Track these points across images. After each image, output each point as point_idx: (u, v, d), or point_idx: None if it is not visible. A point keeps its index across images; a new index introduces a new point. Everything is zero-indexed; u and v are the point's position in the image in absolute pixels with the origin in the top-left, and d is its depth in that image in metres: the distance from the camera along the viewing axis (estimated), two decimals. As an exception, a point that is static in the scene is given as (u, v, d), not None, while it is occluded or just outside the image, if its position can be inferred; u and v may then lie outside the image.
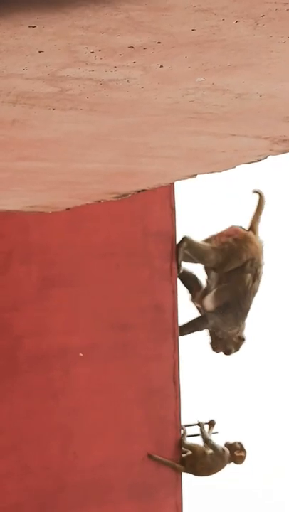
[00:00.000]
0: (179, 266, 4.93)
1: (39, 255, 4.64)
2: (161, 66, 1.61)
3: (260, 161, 2.48)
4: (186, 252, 4.94)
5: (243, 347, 5.15)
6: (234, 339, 5.12)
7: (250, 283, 5.02)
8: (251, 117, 2.05)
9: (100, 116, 1.95)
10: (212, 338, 5.18)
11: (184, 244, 4.89)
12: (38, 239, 4.64)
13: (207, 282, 5.13)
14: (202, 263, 5.05)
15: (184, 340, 5.10)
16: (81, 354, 4.71)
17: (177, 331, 4.99)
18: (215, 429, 5.33)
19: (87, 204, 3.47)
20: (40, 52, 1.49)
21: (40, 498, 4.55)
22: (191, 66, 1.62)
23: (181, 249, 4.89)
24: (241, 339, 5.12)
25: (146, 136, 2.20)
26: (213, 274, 5.09)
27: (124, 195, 3.10)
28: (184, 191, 5.22)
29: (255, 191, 5.20)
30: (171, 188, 4.89)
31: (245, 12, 1.38)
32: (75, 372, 4.69)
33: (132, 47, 1.49)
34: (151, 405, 4.88)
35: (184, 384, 5.05)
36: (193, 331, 5.16)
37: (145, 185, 2.95)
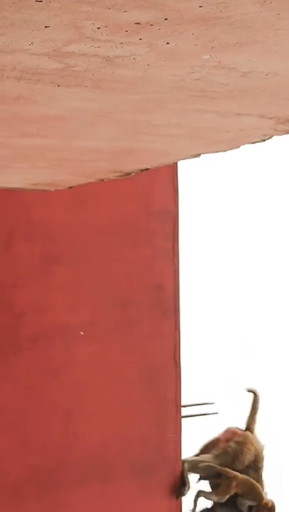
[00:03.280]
0: (184, 489, 4.98)
1: (41, 233, 4.64)
2: (167, 43, 1.60)
3: (264, 140, 2.47)
4: (192, 471, 5.00)
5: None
6: None
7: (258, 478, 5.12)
8: (256, 96, 2.04)
9: (105, 93, 1.94)
10: None
11: (186, 466, 4.96)
12: (40, 216, 4.64)
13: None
14: (209, 474, 5.14)
15: (185, 319, 5.11)
16: (82, 332, 4.71)
17: (178, 310, 5.00)
18: (214, 409, 5.35)
19: (90, 182, 3.46)
20: (46, 27, 1.48)
21: (40, 475, 4.58)
22: (197, 43, 1.61)
23: (185, 473, 4.97)
24: None
25: (150, 113, 2.19)
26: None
27: (128, 173, 3.08)
28: (187, 171, 5.22)
29: (250, 390, 5.30)
30: (174, 167, 4.88)
31: (253, -11, 1.37)
32: (76, 350, 4.70)
33: (139, 23, 1.48)
34: (151, 384, 4.90)
35: (185, 363, 5.07)
36: None
37: (148, 164, 2.93)
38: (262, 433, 5.27)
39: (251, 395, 5.28)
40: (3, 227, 4.55)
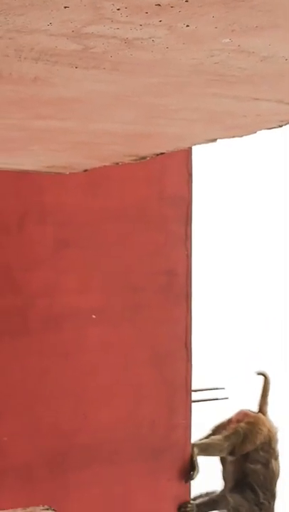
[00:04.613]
0: (193, 474, 4.94)
1: (54, 216, 4.64)
2: (187, 26, 1.58)
3: (281, 126, 2.45)
4: (201, 454, 4.97)
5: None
6: None
7: (269, 463, 5.09)
8: (275, 81, 2.02)
9: (123, 75, 1.93)
10: None
11: (196, 450, 4.95)
12: (53, 200, 4.63)
13: (223, 476, 5.21)
14: (220, 455, 5.12)
15: (197, 304, 5.11)
16: (94, 316, 4.72)
17: (190, 295, 5.00)
18: (225, 394, 5.36)
19: (105, 166, 3.45)
20: (65, 7, 1.47)
21: (49, 457, 4.60)
22: (217, 26, 1.59)
23: (194, 457, 4.96)
24: None
25: (167, 97, 2.18)
26: (229, 466, 5.13)
27: (143, 157, 3.07)
28: (201, 157, 5.20)
29: (260, 373, 5.30)
30: (188, 152, 4.87)
31: (276, -29, 1.35)
32: (87, 333, 4.71)
33: (159, 5, 1.46)
34: (162, 368, 4.90)
35: (196, 348, 5.08)
36: (212, 510, 5.18)
37: (164, 148, 2.92)
38: (274, 417, 5.28)
39: (262, 378, 5.29)
40: (16, 210, 4.55)
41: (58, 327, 4.63)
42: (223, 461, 5.22)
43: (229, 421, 5.20)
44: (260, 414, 5.20)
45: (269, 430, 5.13)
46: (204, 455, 5.04)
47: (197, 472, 4.93)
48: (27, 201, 4.57)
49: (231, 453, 5.08)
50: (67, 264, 4.67)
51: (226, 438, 5.07)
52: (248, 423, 5.11)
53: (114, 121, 2.42)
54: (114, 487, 4.78)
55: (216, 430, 5.20)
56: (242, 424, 5.10)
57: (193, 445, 4.97)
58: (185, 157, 4.89)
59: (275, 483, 5.13)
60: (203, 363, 5.64)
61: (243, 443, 5.04)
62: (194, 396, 5.17)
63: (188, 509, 4.89)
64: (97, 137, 2.69)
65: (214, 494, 5.18)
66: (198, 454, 4.96)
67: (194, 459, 4.92)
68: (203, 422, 5.24)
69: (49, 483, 4.59)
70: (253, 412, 5.24)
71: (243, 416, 5.20)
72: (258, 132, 2.59)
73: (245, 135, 2.63)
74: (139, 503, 4.87)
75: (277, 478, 5.13)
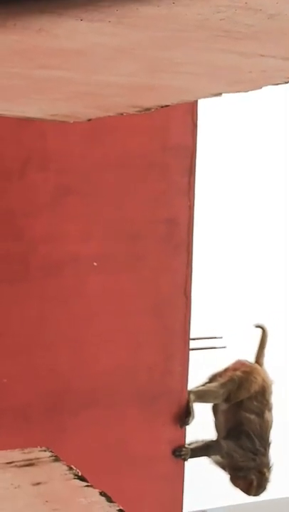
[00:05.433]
0: (188, 419, 4.93)
1: (56, 163, 4.63)
2: (193, -18, 1.56)
3: (287, 83, 2.45)
4: (197, 401, 4.98)
5: (267, 483, 5.14)
6: (255, 472, 5.11)
7: (263, 413, 5.10)
8: (281, 39, 2.01)
9: (127, 29, 1.91)
10: (231, 473, 5.20)
11: (192, 397, 4.95)
12: (56, 147, 4.62)
13: (215, 426, 5.23)
14: (215, 402, 5.15)
15: (198, 254, 5.14)
16: (95, 263, 4.75)
17: (191, 245, 5.02)
18: (222, 343, 5.44)
19: (109, 116, 3.44)
20: None
21: (47, 400, 4.67)
22: (224, -17, 1.58)
23: (190, 403, 4.96)
24: (262, 473, 5.11)
25: (172, 51, 2.16)
26: (221, 416, 5.14)
27: (148, 109, 3.06)
28: (207, 107, 5.16)
29: (258, 326, 5.32)
30: (194, 104, 4.84)
31: None
32: (87, 280, 4.74)
33: None
34: (161, 316, 4.95)
35: (195, 297, 5.11)
36: (205, 455, 5.22)
37: (168, 101, 2.91)
38: (271, 370, 5.35)
39: (259, 330, 5.36)
40: (19, 156, 4.54)
41: (58, 273, 4.65)
42: (215, 410, 5.31)
43: (226, 369, 5.29)
44: (256, 365, 5.30)
45: (263, 380, 5.22)
46: (200, 401, 5.12)
47: (192, 418, 5.02)
48: (30, 148, 4.55)
49: (226, 400, 5.17)
50: (68, 211, 4.68)
51: (222, 385, 5.16)
52: (244, 372, 5.21)
53: (118, 73, 2.40)
54: (111, 430, 4.86)
55: (213, 378, 5.29)
56: (238, 373, 5.20)
57: (190, 392, 5.05)
58: (190, 107, 4.85)
59: (269, 433, 5.23)
60: (202, 312, 5.68)
61: (238, 390, 5.14)
62: (192, 344, 5.22)
63: (182, 453, 4.99)
64: (101, 88, 2.68)
65: (208, 440, 5.28)
66: (195, 401, 5.05)
67: (190, 405, 5.00)
68: (200, 370, 5.31)
69: (47, 426, 4.67)
70: (250, 363, 5.33)
71: (239, 365, 5.29)
72: (263, 88, 2.58)
73: (250, 90, 2.62)
74: (136, 446, 4.96)
75: (271, 428, 5.23)
